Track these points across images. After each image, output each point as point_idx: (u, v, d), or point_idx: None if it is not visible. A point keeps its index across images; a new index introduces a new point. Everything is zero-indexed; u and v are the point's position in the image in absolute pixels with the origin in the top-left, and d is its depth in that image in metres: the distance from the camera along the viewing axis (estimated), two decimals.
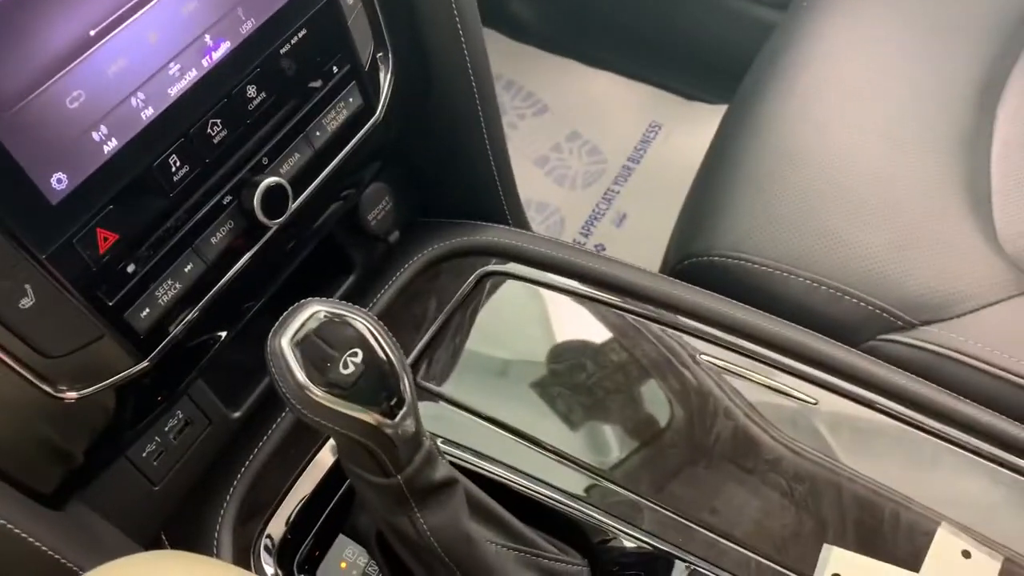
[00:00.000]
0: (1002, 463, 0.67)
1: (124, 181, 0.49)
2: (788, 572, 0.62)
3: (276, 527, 0.64)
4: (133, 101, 0.48)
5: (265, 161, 0.57)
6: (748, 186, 0.87)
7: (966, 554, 0.62)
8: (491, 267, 0.79)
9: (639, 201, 1.46)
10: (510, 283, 0.79)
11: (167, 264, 0.53)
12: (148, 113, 0.49)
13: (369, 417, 0.48)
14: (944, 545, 0.63)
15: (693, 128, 1.49)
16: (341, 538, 0.65)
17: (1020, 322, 0.77)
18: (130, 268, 0.51)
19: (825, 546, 0.63)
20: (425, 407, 0.71)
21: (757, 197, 0.86)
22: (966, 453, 0.68)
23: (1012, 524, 0.65)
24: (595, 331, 0.76)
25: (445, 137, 0.77)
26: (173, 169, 0.51)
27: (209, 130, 0.53)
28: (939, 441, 0.69)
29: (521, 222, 0.87)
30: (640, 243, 1.35)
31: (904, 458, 0.69)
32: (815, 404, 0.70)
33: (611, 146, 1.52)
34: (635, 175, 1.49)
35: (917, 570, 0.62)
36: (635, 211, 1.45)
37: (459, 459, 0.67)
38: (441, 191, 0.81)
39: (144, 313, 0.52)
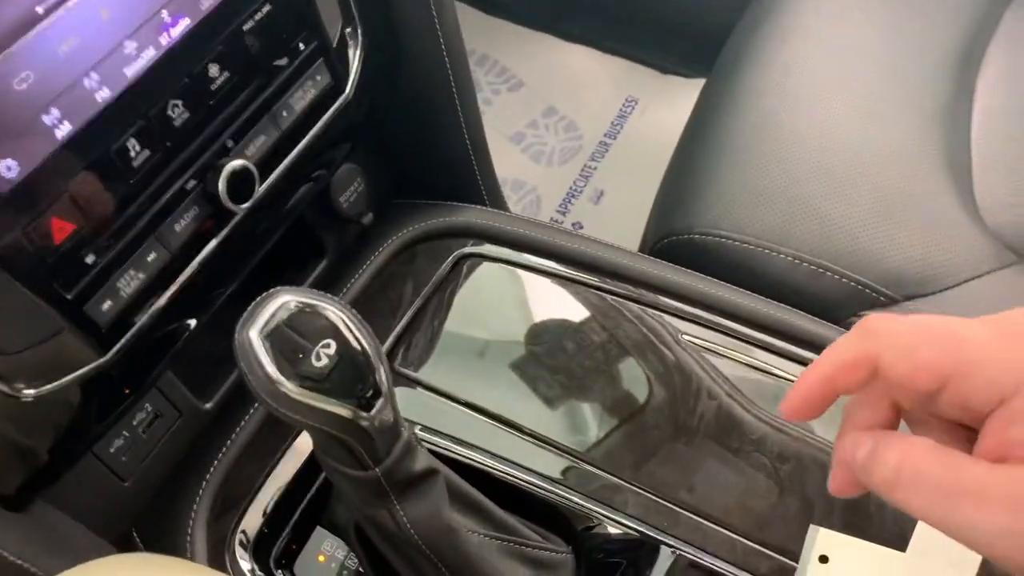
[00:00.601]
0: None
1: (80, 167, 0.47)
2: (774, 553, 0.61)
3: (251, 521, 0.62)
4: (86, 82, 0.46)
5: (230, 144, 0.55)
6: (727, 162, 0.86)
7: None
8: (468, 249, 0.78)
9: (617, 177, 1.45)
10: (487, 265, 0.77)
11: (129, 254, 0.51)
12: (103, 95, 0.47)
13: (344, 410, 0.46)
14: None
15: (670, 102, 1.47)
16: (319, 531, 0.63)
17: (1001, 295, 0.77)
18: (89, 259, 0.48)
19: (812, 527, 0.62)
20: (402, 393, 0.69)
21: (736, 173, 0.85)
22: None
23: None
24: (574, 312, 0.75)
25: (418, 115, 0.74)
26: (132, 154, 0.49)
27: (169, 112, 0.50)
28: None
29: (498, 202, 0.85)
30: (618, 220, 1.34)
31: None
32: None
33: (588, 121, 1.50)
34: (612, 151, 1.48)
35: (904, 549, 0.61)
36: (613, 188, 1.44)
37: (438, 446, 0.66)
38: (415, 171, 0.79)
39: (105, 305, 0.50)
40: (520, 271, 0.77)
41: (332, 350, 0.46)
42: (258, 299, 0.46)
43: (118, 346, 0.52)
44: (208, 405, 0.66)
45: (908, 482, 0.31)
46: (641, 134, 1.48)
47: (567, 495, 0.63)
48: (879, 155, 0.84)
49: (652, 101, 1.52)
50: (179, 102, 0.51)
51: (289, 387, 0.45)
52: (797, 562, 0.61)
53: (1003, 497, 0.29)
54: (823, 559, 0.61)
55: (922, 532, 0.62)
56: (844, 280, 0.77)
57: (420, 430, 0.67)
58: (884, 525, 0.62)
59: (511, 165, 1.44)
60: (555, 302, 0.76)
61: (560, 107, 1.52)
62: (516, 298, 0.77)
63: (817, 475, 0.65)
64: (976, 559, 0.62)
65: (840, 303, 0.77)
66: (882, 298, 0.76)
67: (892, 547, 0.61)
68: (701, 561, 0.60)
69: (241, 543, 0.61)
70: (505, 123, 1.49)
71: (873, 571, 0.60)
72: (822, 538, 0.62)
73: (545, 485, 0.64)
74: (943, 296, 0.76)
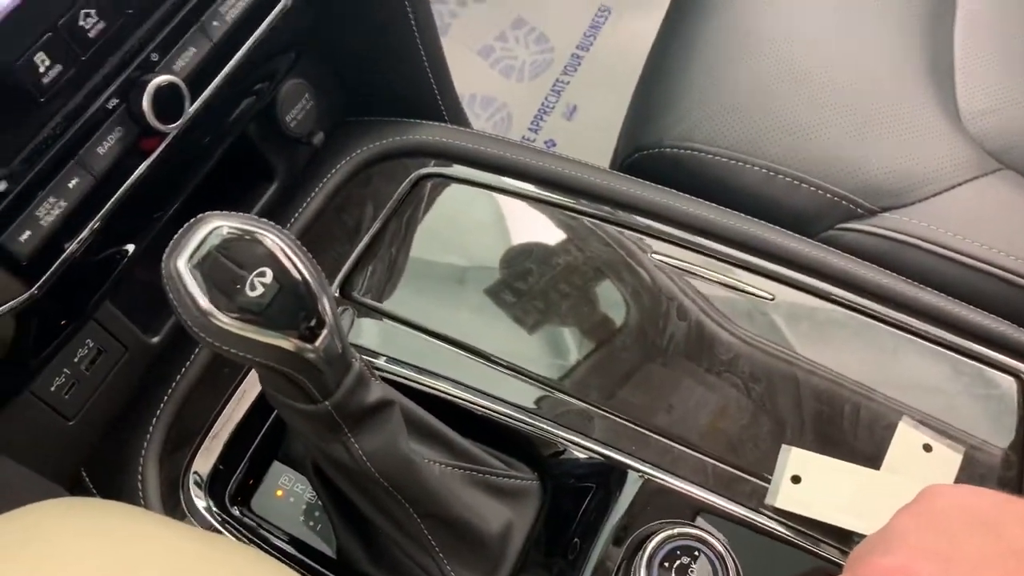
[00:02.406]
0: (963, 352, 0.65)
1: None
2: (745, 475, 0.60)
3: (206, 457, 0.60)
4: None
5: (155, 57, 0.50)
6: (699, 72, 0.82)
7: (927, 448, 0.61)
8: (428, 169, 0.74)
9: (590, 91, 1.40)
10: (449, 186, 0.74)
11: (47, 180, 0.47)
12: (3, 2, 0.42)
13: (286, 343, 0.43)
14: (905, 440, 0.61)
15: (644, 11, 1.41)
16: (276, 465, 0.61)
17: (982, 205, 0.74)
18: (0, 186, 0.44)
19: (784, 447, 0.61)
20: (364, 324, 0.67)
21: (708, 83, 0.81)
22: (927, 343, 0.66)
23: (973, 413, 0.63)
24: (539, 234, 0.72)
25: (368, 24, 0.69)
26: (41, 69, 0.45)
27: (82, 22, 0.46)
28: (900, 331, 0.66)
29: (459, 118, 0.81)
30: (592, 135, 1.29)
31: (864, 350, 0.66)
32: (772, 299, 0.67)
33: (559, 33, 1.45)
34: (585, 63, 1.42)
35: (878, 467, 0.60)
36: (586, 102, 1.39)
37: (403, 377, 0.63)
38: (369, 87, 0.74)
39: (24, 236, 0.46)
40: (483, 191, 0.73)
41: (269, 278, 0.43)
42: (185, 226, 0.43)
43: (44, 278, 0.48)
44: (155, 339, 0.63)
45: None
46: (615, 45, 1.43)
47: (534, 422, 0.61)
48: (858, 60, 0.80)
49: (626, 10, 1.46)
50: (92, 11, 0.46)
51: (223, 319, 0.42)
52: (769, 483, 0.59)
53: None
54: (795, 479, 0.60)
55: (896, 450, 0.61)
56: (820, 192, 0.74)
57: (385, 361, 0.64)
58: (857, 443, 0.61)
59: (480, 81, 1.39)
60: (519, 223, 0.73)
61: (529, 18, 1.46)
62: (479, 220, 0.74)
63: (790, 393, 0.63)
64: (951, 475, 0.61)
65: (817, 215, 0.74)
66: (859, 210, 0.74)
67: (866, 464, 0.60)
68: (671, 485, 0.59)
69: (195, 481, 0.59)
70: (472, 36, 1.42)
71: (846, 490, 0.59)
72: (794, 458, 0.60)
73: (511, 412, 0.62)
74: (921, 207, 0.73)
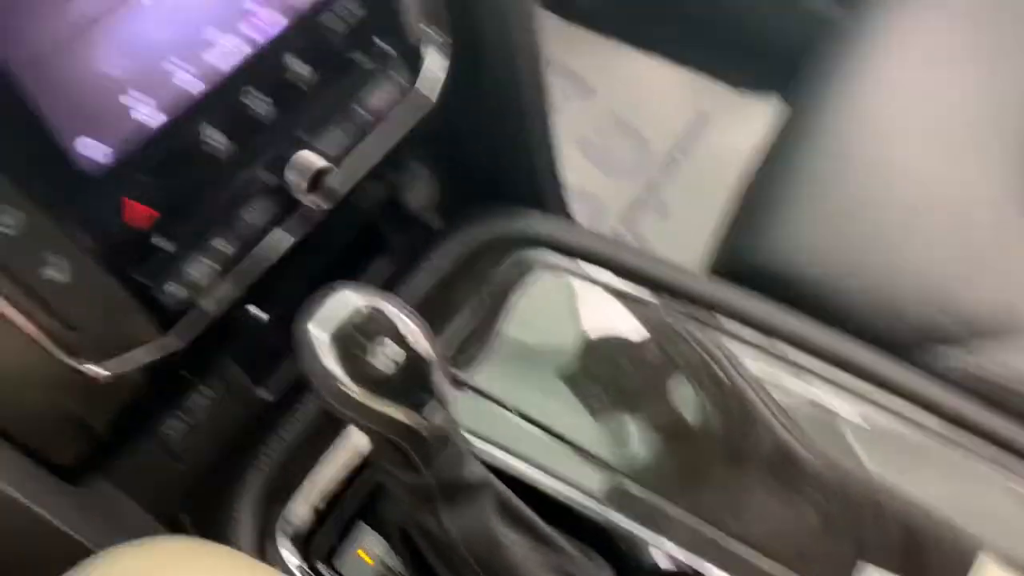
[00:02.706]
0: None
1: (164, 155, 0.47)
2: None
3: (298, 511, 0.63)
4: (178, 72, 0.47)
5: (309, 140, 0.55)
6: (802, 188, 0.84)
7: None
8: (530, 256, 0.77)
9: (683, 193, 1.43)
10: (548, 274, 0.77)
11: (203, 242, 0.51)
12: (192, 85, 0.48)
13: (403, 415, 0.46)
14: (985, 575, 0.60)
15: (741, 119, 1.45)
16: (360, 526, 0.64)
17: None
18: (166, 245, 0.49)
19: (859, 563, 0.61)
20: (457, 399, 0.69)
21: (810, 200, 0.83)
22: (1018, 479, 0.65)
23: None
24: (632, 330, 0.74)
25: (492, 122, 0.74)
26: (216, 145, 0.50)
27: (253, 106, 0.51)
28: (989, 465, 0.66)
29: (564, 210, 0.85)
30: (682, 236, 1.31)
31: (950, 479, 0.66)
32: (860, 418, 0.68)
33: (656, 134, 1.49)
34: (680, 165, 1.46)
35: None
36: (678, 203, 1.42)
37: (485, 453, 0.65)
38: (484, 176, 0.79)
39: (177, 292, 0.51)
40: (579, 282, 0.76)
41: (394, 353, 0.46)
42: (319, 293, 0.46)
43: (188, 332, 0.53)
44: (265, 393, 0.66)
45: None
46: (710, 150, 1.47)
47: (612, 516, 0.63)
48: (962, 191, 0.81)
49: (723, 117, 1.50)
50: (264, 97, 0.51)
51: (352, 388, 0.45)
52: None
53: None
54: None
55: None
56: (916, 316, 0.75)
57: (464, 432, 0.66)
58: (937, 570, 0.60)
59: (576, 173, 1.42)
60: (613, 317, 0.75)
61: (630, 118, 1.51)
62: (574, 310, 0.76)
63: (870, 513, 0.63)
64: None
65: (910, 339, 0.75)
66: (954, 338, 0.74)
67: None
68: None
69: (284, 532, 0.61)
70: (573, 130, 1.48)
71: None
72: None
73: (590, 503, 0.63)
74: (1019, 341, 0.73)
